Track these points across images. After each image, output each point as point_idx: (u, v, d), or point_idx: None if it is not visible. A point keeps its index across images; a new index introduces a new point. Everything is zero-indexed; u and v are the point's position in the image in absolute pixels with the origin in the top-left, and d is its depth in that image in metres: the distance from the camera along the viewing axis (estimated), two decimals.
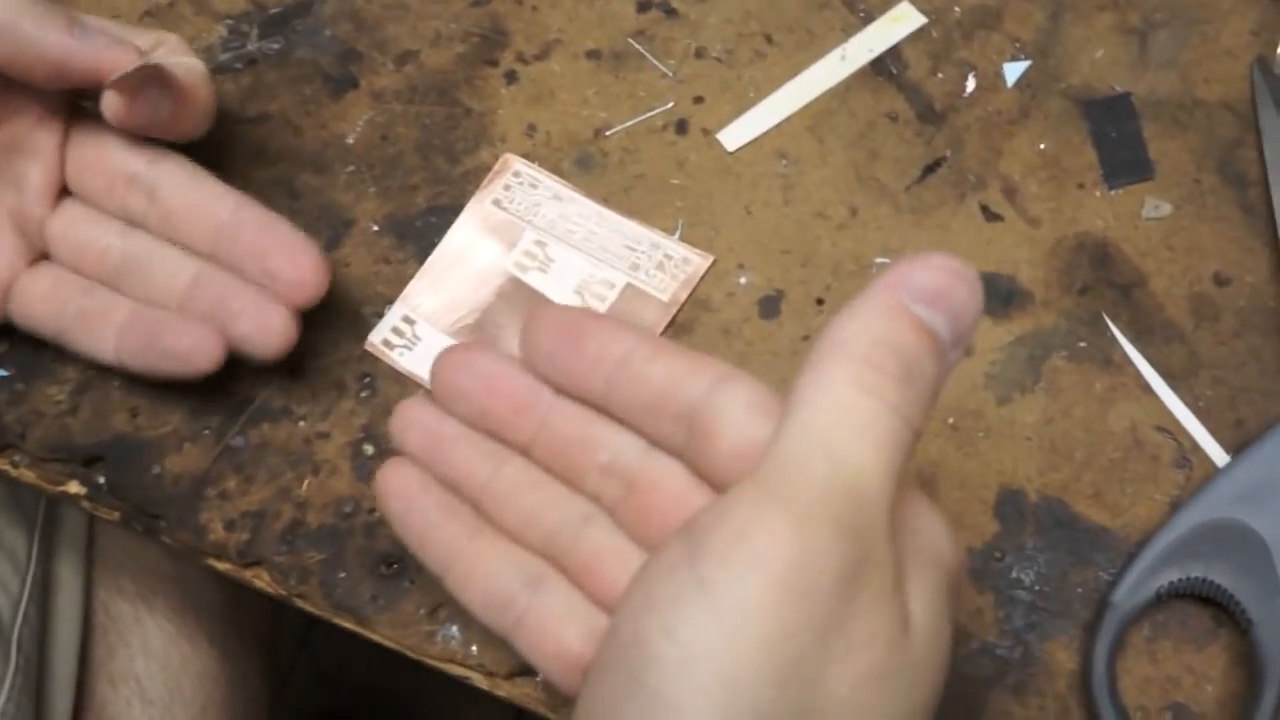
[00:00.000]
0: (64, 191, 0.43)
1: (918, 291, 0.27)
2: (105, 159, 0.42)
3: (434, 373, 0.34)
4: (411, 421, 0.35)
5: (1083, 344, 0.43)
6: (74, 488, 0.43)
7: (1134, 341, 0.42)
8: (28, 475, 0.44)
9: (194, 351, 0.40)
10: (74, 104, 0.43)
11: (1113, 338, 0.43)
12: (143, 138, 0.42)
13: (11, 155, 0.42)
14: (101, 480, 0.43)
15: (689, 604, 0.26)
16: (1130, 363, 0.42)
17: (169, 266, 0.41)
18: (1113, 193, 0.45)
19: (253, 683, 0.66)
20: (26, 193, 0.42)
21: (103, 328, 0.41)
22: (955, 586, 0.29)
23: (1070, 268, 0.44)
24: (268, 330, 0.40)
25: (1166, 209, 0.44)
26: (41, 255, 0.43)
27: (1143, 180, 0.45)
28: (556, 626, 0.32)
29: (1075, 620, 0.39)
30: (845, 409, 0.26)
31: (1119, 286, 0.43)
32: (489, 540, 0.34)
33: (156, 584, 0.62)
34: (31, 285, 0.42)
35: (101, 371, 0.44)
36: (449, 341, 0.44)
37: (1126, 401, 0.42)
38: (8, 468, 0.44)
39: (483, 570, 0.33)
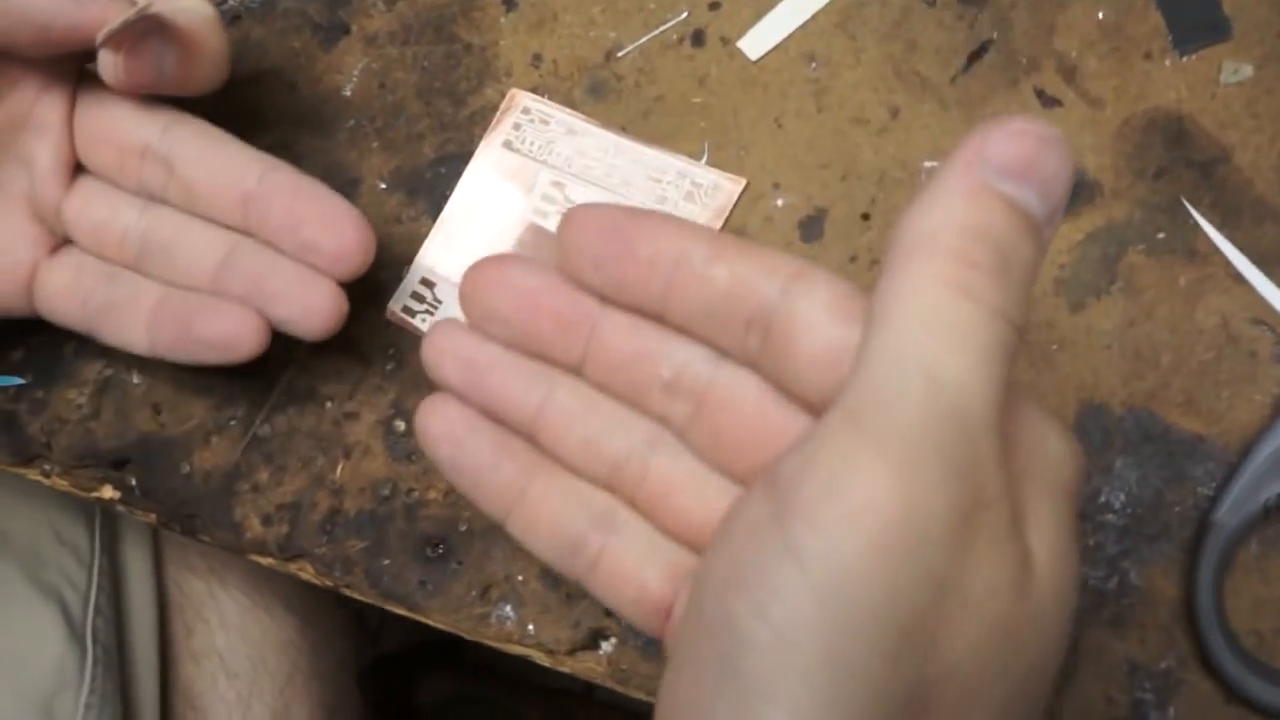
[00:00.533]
0: (79, 168, 0.39)
1: (1000, 166, 0.23)
2: (114, 130, 0.38)
3: (463, 292, 0.30)
4: (445, 351, 0.31)
5: (1161, 235, 0.38)
6: (108, 492, 0.42)
7: (1220, 226, 0.38)
8: (61, 484, 0.42)
9: (234, 337, 0.36)
10: (80, 69, 0.39)
11: (1195, 224, 0.38)
12: (153, 101, 0.38)
13: (16, 132, 0.38)
14: (133, 482, 0.42)
15: (779, 575, 0.22)
16: (1217, 251, 0.38)
17: (196, 244, 0.38)
18: (1184, 59, 0.40)
19: (337, 644, 0.65)
20: (37, 173, 0.38)
21: (132, 318, 0.38)
22: (1074, 502, 0.26)
23: (1141, 150, 0.39)
24: (313, 311, 0.36)
25: (1247, 71, 0.39)
26: (63, 240, 0.39)
27: (1218, 41, 0.40)
28: (634, 568, 0.29)
29: (1175, 543, 0.36)
30: (939, 317, 0.23)
31: (1199, 165, 0.39)
32: (550, 477, 0.30)
33: (225, 556, 0.61)
34: (53, 276, 0.39)
35: (119, 369, 0.42)
36: None
37: (1215, 294, 0.38)
38: (40, 478, 0.43)
39: (547, 512, 0.30)
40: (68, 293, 0.39)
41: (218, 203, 0.38)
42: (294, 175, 0.37)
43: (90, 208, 0.39)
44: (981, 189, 0.23)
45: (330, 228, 0.36)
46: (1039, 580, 0.23)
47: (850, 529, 0.22)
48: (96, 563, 0.56)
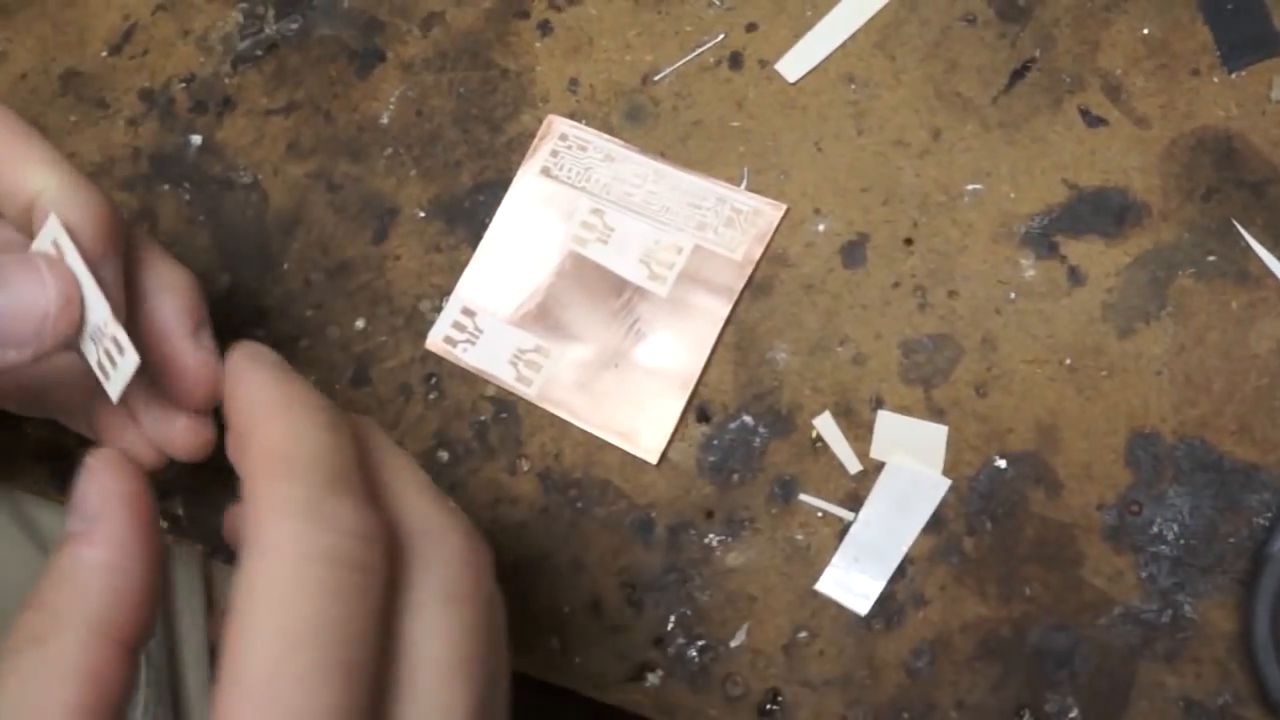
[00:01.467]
0: None
1: None
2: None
3: None
4: None
5: (1212, 258, 0.38)
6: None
7: (1273, 248, 0.37)
8: None
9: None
10: None
11: (1246, 246, 0.37)
12: None
13: None
14: (181, 512, 0.42)
15: None
16: (1270, 273, 0.37)
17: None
18: (1233, 76, 0.39)
19: None
20: None
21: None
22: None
23: (1190, 170, 0.38)
24: (175, 446, 0.36)
25: None
26: None
27: (1269, 56, 0.39)
28: None
29: (1230, 575, 0.35)
30: None
31: (1250, 185, 0.38)
32: None
33: None
34: None
35: None
36: (514, 333, 0.41)
37: (1269, 318, 0.37)
38: None
39: None
40: None
41: None
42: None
43: None
44: None
45: (177, 377, 0.35)
46: None
47: None
48: None
